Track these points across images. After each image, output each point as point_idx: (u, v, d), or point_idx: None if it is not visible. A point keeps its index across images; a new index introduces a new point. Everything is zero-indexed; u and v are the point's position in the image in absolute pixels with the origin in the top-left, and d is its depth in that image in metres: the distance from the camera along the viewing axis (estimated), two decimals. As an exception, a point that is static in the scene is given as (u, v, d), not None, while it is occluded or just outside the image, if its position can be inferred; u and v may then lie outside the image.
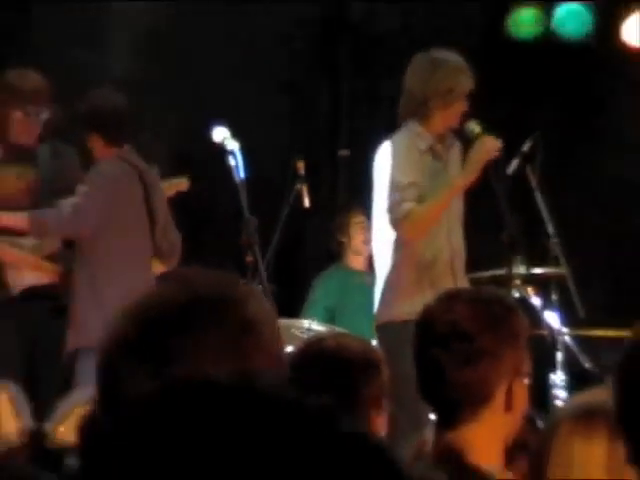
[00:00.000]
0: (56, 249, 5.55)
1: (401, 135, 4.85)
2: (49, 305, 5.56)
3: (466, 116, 5.09)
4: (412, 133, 4.88)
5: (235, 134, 5.31)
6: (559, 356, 5.28)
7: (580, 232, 6.41)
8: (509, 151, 5.24)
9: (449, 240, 4.85)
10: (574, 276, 5.50)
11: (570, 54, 7.28)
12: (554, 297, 5.52)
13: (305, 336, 5.21)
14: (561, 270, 5.49)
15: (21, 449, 2.40)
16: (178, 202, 5.63)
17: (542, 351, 5.19)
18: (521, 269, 5.40)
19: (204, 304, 1.47)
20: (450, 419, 2.44)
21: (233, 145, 5.23)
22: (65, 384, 4.99)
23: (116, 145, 5.33)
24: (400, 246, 4.75)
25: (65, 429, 3.32)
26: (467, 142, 4.98)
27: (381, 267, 4.89)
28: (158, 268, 5.63)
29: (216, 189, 6.34)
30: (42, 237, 5.50)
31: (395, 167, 4.79)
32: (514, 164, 5.40)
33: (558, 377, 5.26)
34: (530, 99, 7.16)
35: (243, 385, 0.90)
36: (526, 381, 2.49)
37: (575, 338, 5.41)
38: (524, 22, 7.33)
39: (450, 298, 2.60)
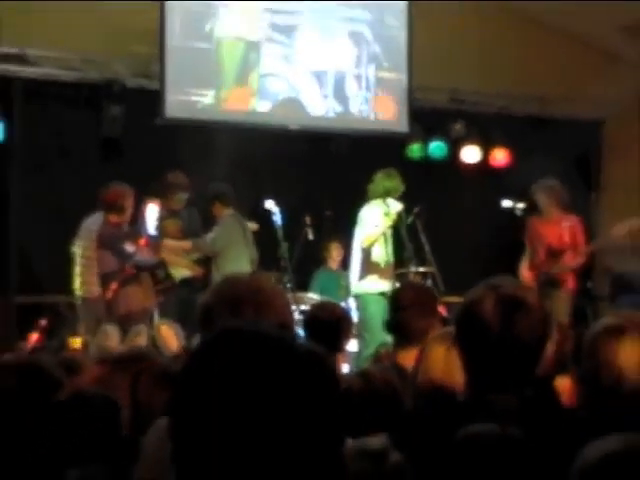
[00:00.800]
0: (201, 257, 6.92)
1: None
2: (195, 289, 6.62)
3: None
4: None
5: (277, 204, 6.77)
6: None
7: (439, 249, 7.24)
8: (408, 211, 6.92)
9: (387, 249, 6.64)
10: (439, 272, 7.00)
11: (438, 168, 8.73)
12: (430, 282, 6.79)
13: (312, 301, 6.54)
14: (431, 269, 7.09)
15: (179, 357, 3.34)
16: (255, 235, 7.08)
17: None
18: (412, 268, 6.95)
19: (259, 291, 1.78)
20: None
21: (275, 209, 6.75)
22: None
23: (227, 208, 6.87)
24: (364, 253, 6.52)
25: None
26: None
27: (355, 263, 6.79)
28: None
29: (268, 230, 7.01)
30: (196, 252, 6.87)
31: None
32: (410, 218, 6.89)
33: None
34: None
35: (270, 332, 1.08)
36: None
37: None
38: (414, 150, 8.74)
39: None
